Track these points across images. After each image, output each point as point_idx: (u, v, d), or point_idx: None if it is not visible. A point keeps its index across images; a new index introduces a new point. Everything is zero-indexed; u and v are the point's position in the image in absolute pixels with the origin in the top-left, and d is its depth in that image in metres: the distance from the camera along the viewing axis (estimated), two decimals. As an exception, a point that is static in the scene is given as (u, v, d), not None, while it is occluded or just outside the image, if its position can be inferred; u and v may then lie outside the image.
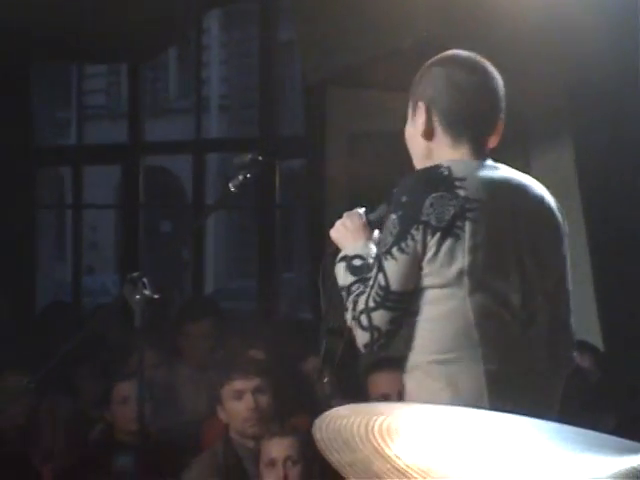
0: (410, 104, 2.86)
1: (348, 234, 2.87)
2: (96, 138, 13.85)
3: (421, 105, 2.81)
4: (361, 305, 2.69)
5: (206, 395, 4.91)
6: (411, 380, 2.76)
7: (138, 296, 2.82)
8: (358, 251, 2.83)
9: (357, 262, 2.79)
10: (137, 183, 8.42)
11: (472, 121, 2.80)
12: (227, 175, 3.00)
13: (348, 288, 2.77)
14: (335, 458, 1.33)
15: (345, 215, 2.93)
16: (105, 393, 4.65)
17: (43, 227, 9.13)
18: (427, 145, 2.82)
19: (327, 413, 1.49)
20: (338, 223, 2.92)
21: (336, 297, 2.86)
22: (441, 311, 2.70)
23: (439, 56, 2.87)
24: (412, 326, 2.74)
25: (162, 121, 16.20)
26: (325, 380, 3.66)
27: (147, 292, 2.83)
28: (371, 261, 2.77)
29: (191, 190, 8.76)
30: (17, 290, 7.70)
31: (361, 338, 2.71)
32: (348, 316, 2.75)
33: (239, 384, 4.04)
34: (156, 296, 2.86)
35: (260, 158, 2.92)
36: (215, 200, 8.69)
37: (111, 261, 18.07)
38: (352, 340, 2.79)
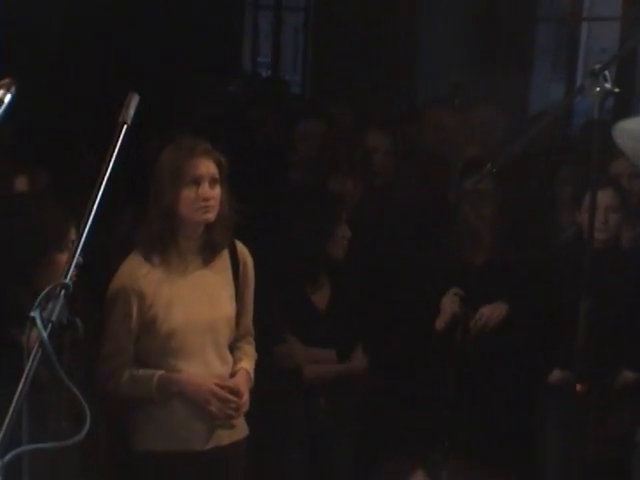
0: None
1: None
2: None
3: None
4: None
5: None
6: None
7: (598, 88, 2.85)
8: None
9: None
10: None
11: None
12: None
13: None
14: None
15: None
16: (579, 197, 4.73)
17: (542, 42, 9.19)
18: None
19: None
20: None
21: None
22: None
23: None
24: None
25: None
26: None
27: (608, 85, 2.85)
28: None
29: None
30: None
31: None
32: None
33: None
34: (616, 90, 2.87)
35: None
36: None
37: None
38: None
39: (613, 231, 4.64)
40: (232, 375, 3.82)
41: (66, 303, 1.90)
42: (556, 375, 4.51)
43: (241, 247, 3.91)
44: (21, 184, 4.39)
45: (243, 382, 3.80)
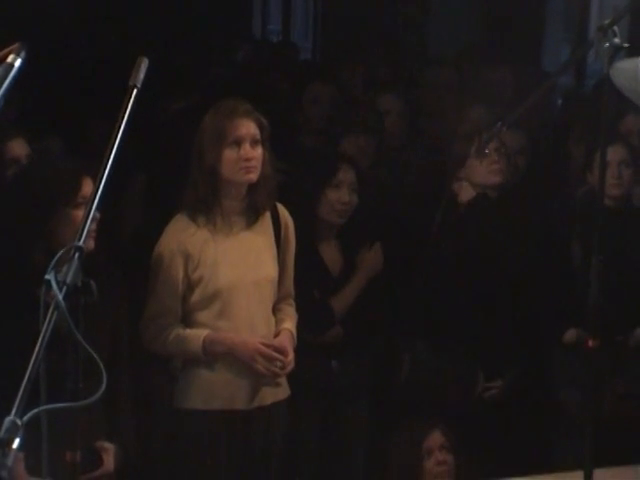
0: None
1: None
2: None
3: None
4: None
5: None
6: None
7: (607, 44, 2.84)
8: None
9: None
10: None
11: None
12: None
13: None
14: None
15: None
16: (589, 155, 4.72)
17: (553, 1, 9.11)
18: None
19: None
20: None
21: None
22: None
23: None
24: None
25: None
26: None
27: (617, 40, 2.84)
28: None
29: None
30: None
31: None
32: None
33: None
34: (626, 45, 2.85)
35: None
36: None
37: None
38: None
39: (627, 186, 4.63)
40: (276, 335, 3.87)
41: (80, 265, 1.91)
42: (571, 333, 4.52)
43: (282, 209, 3.95)
44: (20, 148, 4.35)
45: (288, 341, 3.86)
